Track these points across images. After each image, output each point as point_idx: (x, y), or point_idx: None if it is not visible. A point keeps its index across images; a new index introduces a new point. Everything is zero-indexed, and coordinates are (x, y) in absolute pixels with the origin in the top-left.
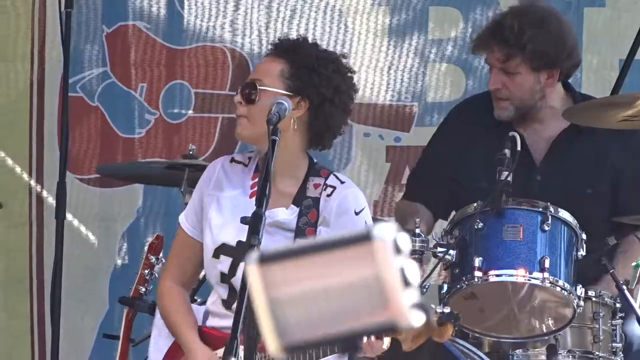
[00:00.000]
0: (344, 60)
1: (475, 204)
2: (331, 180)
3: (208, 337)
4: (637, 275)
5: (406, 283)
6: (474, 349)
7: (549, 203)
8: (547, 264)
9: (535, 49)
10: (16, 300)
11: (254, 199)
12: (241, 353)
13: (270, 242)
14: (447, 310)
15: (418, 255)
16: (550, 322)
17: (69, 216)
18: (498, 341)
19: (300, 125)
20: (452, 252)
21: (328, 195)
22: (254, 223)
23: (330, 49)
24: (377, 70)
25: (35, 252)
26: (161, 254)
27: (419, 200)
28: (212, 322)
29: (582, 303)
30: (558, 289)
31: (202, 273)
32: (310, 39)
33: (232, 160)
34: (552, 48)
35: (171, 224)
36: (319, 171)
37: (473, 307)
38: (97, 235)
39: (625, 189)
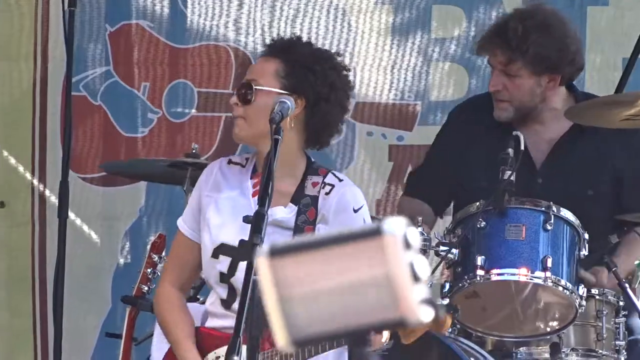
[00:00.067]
0: (338, 59)
1: (477, 203)
2: (329, 179)
3: (207, 337)
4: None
5: (416, 278)
6: (477, 347)
7: (551, 202)
8: (549, 263)
9: (537, 53)
10: (19, 299)
11: (253, 199)
12: (244, 352)
13: (268, 241)
14: (445, 302)
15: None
16: (553, 321)
17: (71, 215)
18: (501, 340)
19: (297, 123)
20: (454, 250)
21: (327, 194)
22: (257, 222)
23: (334, 48)
24: (380, 69)
25: (38, 251)
26: (164, 253)
27: (420, 197)
28: (211, 322)
29: (584, 302)
30: (560, 288)
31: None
32: (313, 38)
33: (230, 161)
34: (555, 53)
35: (174, 223)
36: (317, 170)
37: (475, 305)
38: (99, 234)
39: (627, 189)
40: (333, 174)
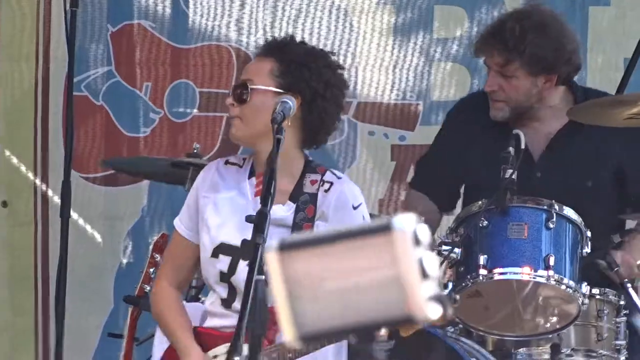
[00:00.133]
0: (332, 57)
1: (480, 202)
2: (328, 177)
3: (206, 337)
4: None
5: (424, 275)
6: (478, 347)
7: (553, 201)
8: (551, 261)
9: (534, 53)
10: (21, 299)
11: (252, 198)
12: (245, 351)
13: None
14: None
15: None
16: (555, 319)
17: (74, 215)
18: (502, 339)
19: (294, 122)
20: (457, 250)
21: (326, 191)
22: (259, 222)
23: (336, 48)
24: (382, 69)
25: (40, 250)
26: None
27: (423, 192)
28: (210, 322)
29: (587, 301)
30: (563, 286)
31: None
32: (315, 38)
33: (227, 162)
34: (551, 53)
35: None
36: (315, 168)
37: (478, 305)
38: (102, 234)
39: (632, 178)
40: (331, 171)
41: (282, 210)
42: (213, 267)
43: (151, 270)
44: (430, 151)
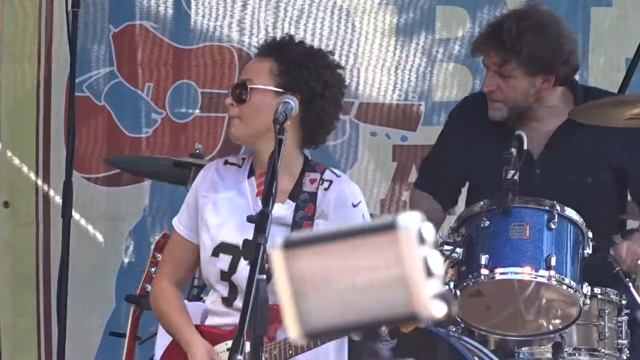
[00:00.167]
0: (331, 57)
1: (481, 202)
2: (327, 175)
3: (207, 335)
4: None
5: (429, 273)
6: (480, 346)
7: (555, 202)
8: (553, 262)
9: (531, 53)
10: (23, 299)
11: (252, 198)
12: (247, 349)
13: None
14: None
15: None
16: (556, 320)
17: (75, 215)
18: (504, 339)
19: (293, 121)
20: (458, 250)
21: (325, 189)
22: (261, 222)
23: (338, 48)
24: (384, 70)
25: (42, 251)
26: None
27: (427, 191)
28: (211, 321)
29: (588, 301)
30: (564, 287)
31: None
32: (317, 39)
33: (226, 162)
34: (549, 53)
35: None
36: (314, 167)
37: (479, 304)
38: (103, 234)
39: (635, 179)
40: (331, 170)
41: (282, 209)
42: (213, 267)
43: (153, 269)
44: (433, 151)
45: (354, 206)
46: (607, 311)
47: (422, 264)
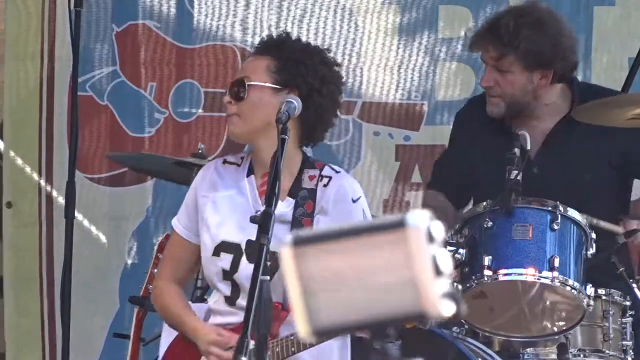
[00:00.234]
0: (328, 54)
1: (484, 203)
2: (326, 171)
3: None
4: None
5: (438, 272)
6: (484, 347)
7: (558, 202)
8: (556, 263)
9: (528, 48)
10: (26, 299)
11: (249, 197)
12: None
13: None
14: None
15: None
16: (561, 321)
17: (78, 216)
18: (508, 340)
19: (292, 119)
20: (461, 250)
21: (325, 186)
22: (264, 222)
23: (340, 48)
24: (387, 69)
25: (45, 251)
26: None
27: (439, 189)
28: (214, 320)
29: (592, 302)
30: (567, 288)
31: None
32: (320, 38)
33: (225, 161)
34: (546, 48)
35: None
36: (313, 163)
37: (483, 306)
38: (106, 235)
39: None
40: (330, 166)
41: (282, 207)
42: (215, 266)
43: (156, 271)
44: (444, 152)
45: (354, 201)
46: (611, 312)
47: (431, 262)
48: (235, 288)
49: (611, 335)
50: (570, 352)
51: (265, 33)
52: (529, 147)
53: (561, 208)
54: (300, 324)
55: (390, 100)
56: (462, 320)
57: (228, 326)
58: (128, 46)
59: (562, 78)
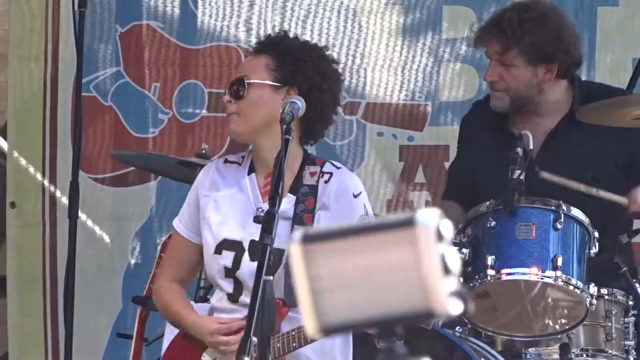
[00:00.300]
0: (327, 51)
1: (488, 202)
2: (327, 167)
3: None
4: None
5: (446, 270)
6: (487, 347)
7: (561, 201)
8: (559, 262)
9: (532, 41)
10: (29, 299)
11: (250, 195)
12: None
13: None
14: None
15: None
16: (563, 320)
17: (82, 216)
18: (511, 339)
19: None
20: (464, 250)
21: (326, 182)
22: (267, 222)
23: (344, 48)
24: (390, 70)
25: (49, 251)
26: None
27: (452, 198)
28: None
29: (594, 301)
30: (571, 287)
31: None
32: (324, 39)
33: (226, 161)
34: (550, 41)
35: None
36: (314, 160)
37: (486, 305)
38: (110, 235)
39: None
40: (331, 163)
41: (283, 203)
42: (217, 264)
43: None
44: (454, 160)
45: (355, 196)
46: (614, 312)
47: (439, 261)
48: (238, 285)
49: (613, 335)
50: (573, 352)
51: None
52: (531, 147)
53: (564, 207)
54: (307, 321)
55: (394, 101)
56: (465, 320)
57: None
58: (132, 47)
59: (566, 73)
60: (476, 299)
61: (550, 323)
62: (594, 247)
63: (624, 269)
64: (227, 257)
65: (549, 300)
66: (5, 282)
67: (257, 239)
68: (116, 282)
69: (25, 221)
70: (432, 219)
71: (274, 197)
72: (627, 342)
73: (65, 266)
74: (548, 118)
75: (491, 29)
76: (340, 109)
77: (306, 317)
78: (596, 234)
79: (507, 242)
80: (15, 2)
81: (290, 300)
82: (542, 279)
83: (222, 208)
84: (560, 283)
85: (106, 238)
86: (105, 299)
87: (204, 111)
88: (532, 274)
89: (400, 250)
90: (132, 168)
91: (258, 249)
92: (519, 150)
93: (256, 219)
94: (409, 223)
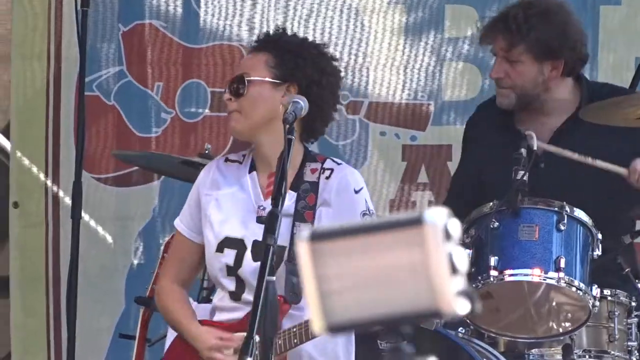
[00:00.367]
0: (326, 48)
1: (491, 203)
2: (328, 164)
3: (215, 328)
4: None
5: (454, 270)
6: (490, 348)
7: (564, 202)
8: (562, 263)
9: (538, 37)
10: (32, 299)
11: (251, 193)
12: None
13: None
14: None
15: None
16: (566, 322)
17: (85, 216)
18: (514, 341)
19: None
20: (468, 251)
21: (327, 178)
22: (270, 222)
23: (347, 47)
24: (393, 69)
25: (52, 251)
26: None
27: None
28: (219, 317)
29: (597, 303)
30: (573, 289)
31: None
32: (327, 38)
33: (227, 159)
34: (555, 38)
35: None
36: (314, 157)
37: (489, 306)
38: (113, 235)
39: None
40: (331, 159)
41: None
42: (219, 262)
43: None
44: (457, 166)
45: (356, 192)
46: (616, 313)
47: (447, 260)
48: (240, 283)
49: (616, 336)
50: (575, 353)
51: None
52: (535, 148)
53: (567, 209)
54: (314, 319)
55: (397, 100)
56: (468, 321)
57: (233, 321)
58: (135, 46)
59: (572, 71)
60: (479, 299)
61: (553, 324)
62: (597, 249)
63: (626, 270)
64: (229, 255)
65: (552, 301)
66: (8, 282)
67: (259, 237)
68: (119, 283)
69: (28, 221)
70: (439, 218)
71: (276, 198)
72: (630, 343)
73: (68, 266)
74: (554, 117)
75: (497, 25)
76: (342, 108)
77: (313, 315)
78: (599, 236)
79: (510, 243)
80: (18, 1)
81: (291, 298)
82: (544, 280)
83: (224, 206)
84: (563, 284)
85: (109, 238)
86: (108, 299)
87: (206, 110)
88: (534, 275)
89: (407, 249)
90: (135, 168)
91: (261, 249)
92: (523, 150)
93: (259, 220)
94: (417, 222)
